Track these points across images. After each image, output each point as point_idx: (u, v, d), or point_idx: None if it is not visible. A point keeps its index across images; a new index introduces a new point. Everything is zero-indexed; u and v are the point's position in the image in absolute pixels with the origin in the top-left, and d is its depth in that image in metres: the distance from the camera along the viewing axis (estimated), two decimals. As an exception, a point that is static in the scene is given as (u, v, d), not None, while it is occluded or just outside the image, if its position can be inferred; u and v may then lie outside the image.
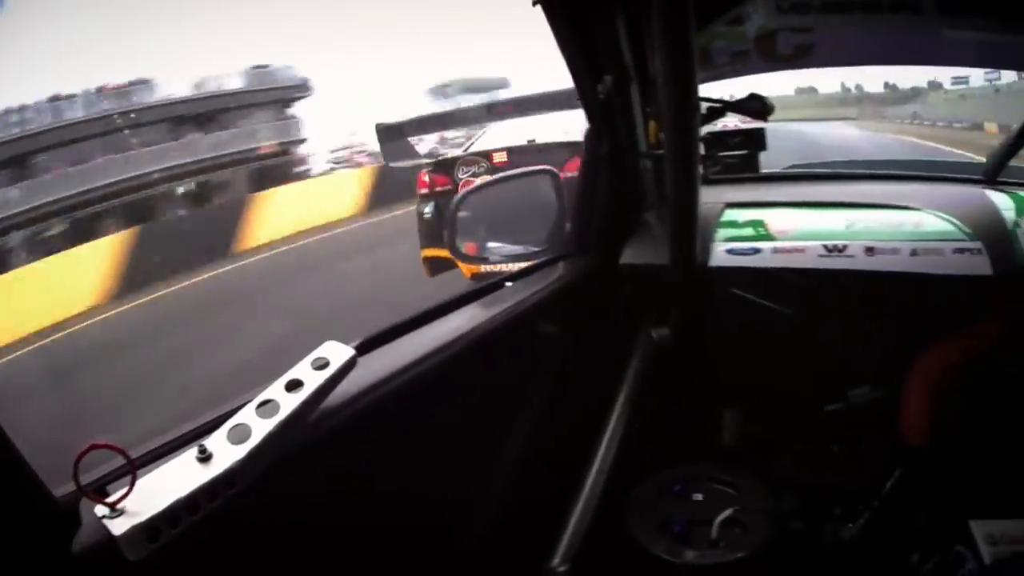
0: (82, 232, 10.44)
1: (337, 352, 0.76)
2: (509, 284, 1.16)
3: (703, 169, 1.17)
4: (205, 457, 0.64)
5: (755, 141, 1.32)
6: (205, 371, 4.31)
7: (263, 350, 4.27)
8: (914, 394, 1.11)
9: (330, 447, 0.77)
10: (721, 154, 1.31)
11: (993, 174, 1.21)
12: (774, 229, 1.15)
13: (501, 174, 1.49)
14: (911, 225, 1.08)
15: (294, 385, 0.72)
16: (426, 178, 4.44)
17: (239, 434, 0.67)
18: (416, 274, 4.41)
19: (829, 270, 1.09)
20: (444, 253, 3.37)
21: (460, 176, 4.25)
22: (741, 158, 1.33)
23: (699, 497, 1.13)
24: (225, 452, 0.65)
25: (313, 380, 0.72)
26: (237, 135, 14.28)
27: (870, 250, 1.07)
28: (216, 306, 6.36)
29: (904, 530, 1.05)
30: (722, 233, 1.17)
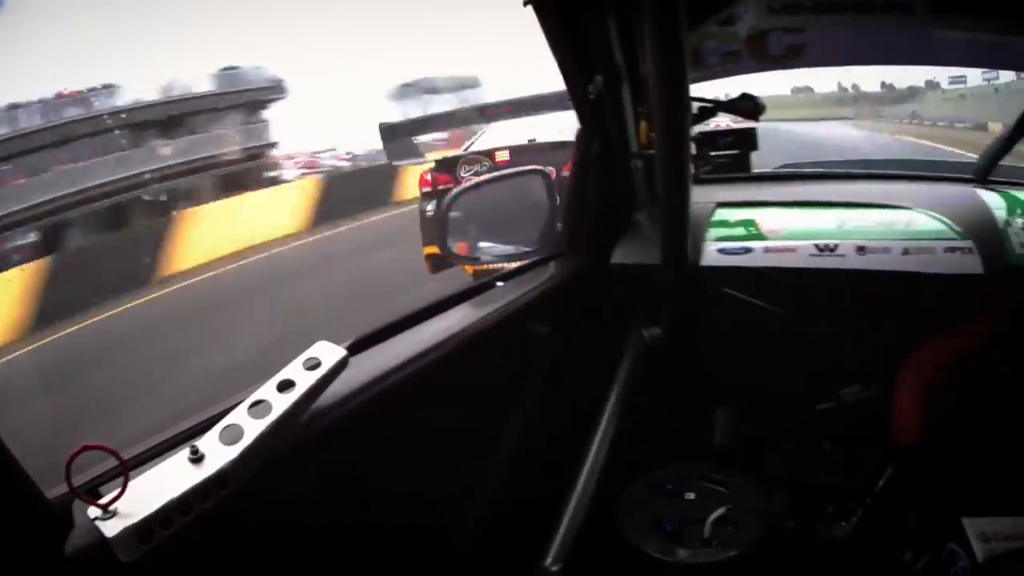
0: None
1: (329, 352, 0.76)
2: (500, 284, 1.16)
3: (694, 169, 1.18)
4: (197, 458, 0.64)
5: (746, 141, 1.33)
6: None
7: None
8: (906, 392, 1.11)
9: (322, 447, 0.77)
10: (712, 154, 1.32)
11: (984, 173, 1.22)
12: (765, 228, 1.15)
13: (492, 174, 1.49)
14: (902, 224, 1.08)
15: (286, 385, 0.72)
16: (428, 176, 4.48)
17: (231, 435, 0.66)
18: (364, 307, 4.34)
19: (820, 269, 1.09)
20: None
21: (462, 174, 4.29)
22: (732, 158, 1.33)
23: (691, 496, 1.13)
24: (217, 453, 0.65)
25: (305, 380, 0.72)
26: (201, 141, 13.34)
27: (861, 249, 1.07)
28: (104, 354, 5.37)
29: (897, 528, 1.05)
30: (713, 233, 1.17)
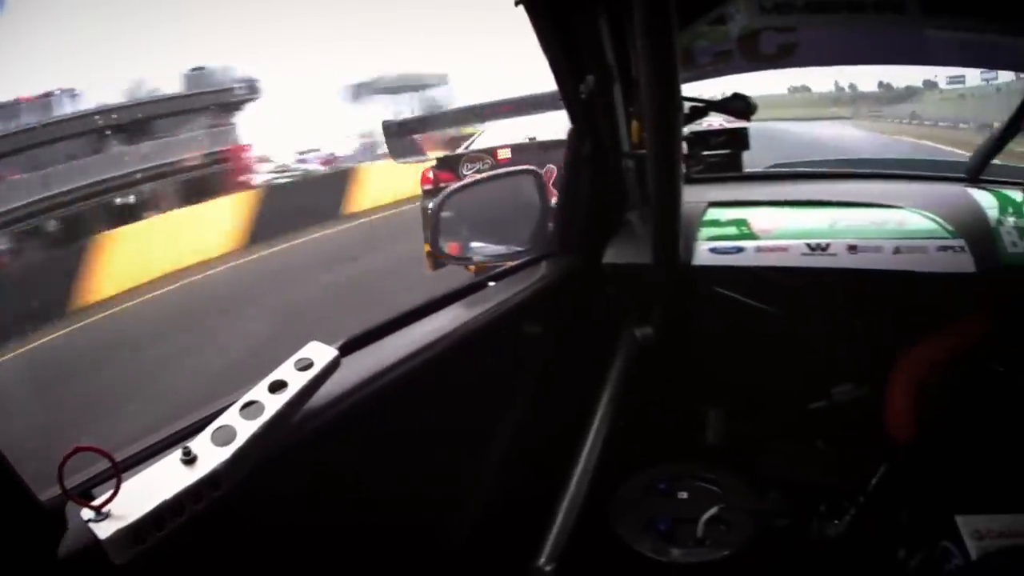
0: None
1: (320, 353, 0.76)
2: (492, 284, 1.16)
3: (686, 168, 1.18)
4: (190, 459, 0.64)
5: (738, 140, 1.33)
6: None
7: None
8: (899, 391, 1.11)
9: (314, 448, 0.77)
10: (704, 153, 1.32)
11: (976, 172, 1.22)
12: (757, 228, 1.15)
13: (484, 174, 1.50)
14: (894, 223, 1.09)
15: (278, 386, 0.72)
16: (430, 174, 4.53)
17: (223, 436, 0.67)
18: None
19: (812, 268, 1.10)
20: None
21: (465, 172, 4.33)
22: (724, 157, 1.34)
23: (684, 495, 1.13)
24: (210, 454, 0.65)
25: (297, 381, 0.73)
26: (167, 145, 12.26)
27: (853, 248, 1.08)
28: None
29: (890, 526, 1.05)
30: (705, 232, 1.17)
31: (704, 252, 1.15)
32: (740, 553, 1.01)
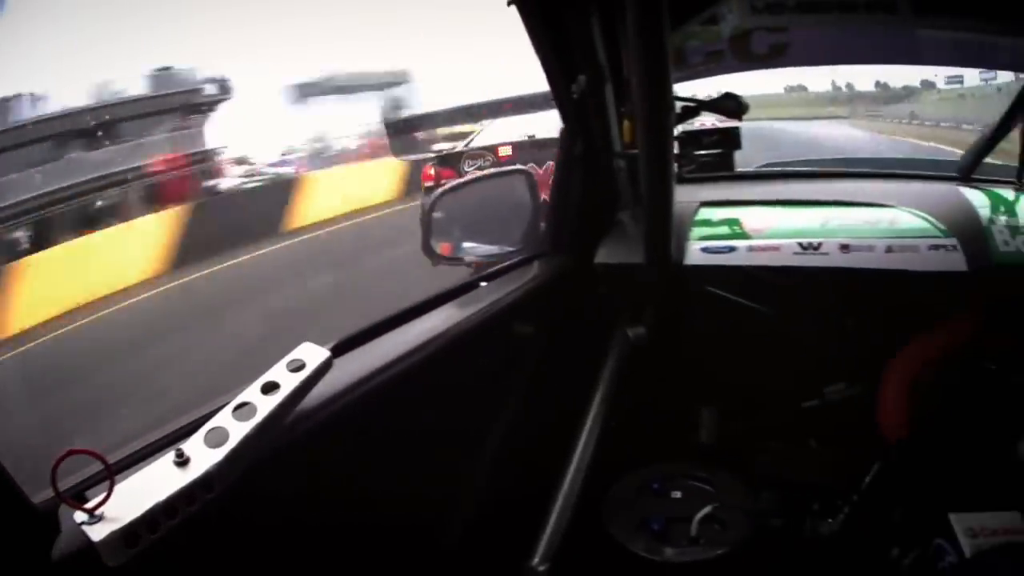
0: None
1: (313, 354, 0.77)
2: (484, 284, 1.16)
3: (678, 168, 1.18)
4: (183, 461, 0.64)
5: (730, 140, 1.33)
6: None
7: None
8: (891, 389, 1.11)
9: (307, 449, 0.77)
10: (696, 153, 1.32)
11: (968, 171, 1.22)
12: (749, 227, 1.15)
13: (476, 174, 1.50)
14: (886, 222, 1.09)
15: (270, 387, 0.72)
16: (431, 171, 4.54)
17: (216, 437, 0.67)
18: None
19: (804, 268, 1.09)
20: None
21: (466, 169, 4.36)
22: (716, 157, 1.34)
23: (677, 495, 1.13)
24: (202, 456, 0.65)
25: (289, 382, 0.73)
26: (131, 149, 11.06)
27: (845, 247, 1.08)
28: None
29: (883, 525, 1.05)
30: (697, 232, 1.17)
31: (696, 252, 1.15)
32: (734, 552, 1.01)
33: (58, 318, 6.19)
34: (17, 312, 6.20)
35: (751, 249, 1.13)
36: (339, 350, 0.85)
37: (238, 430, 0.67)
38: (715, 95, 1.08)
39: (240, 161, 11.68)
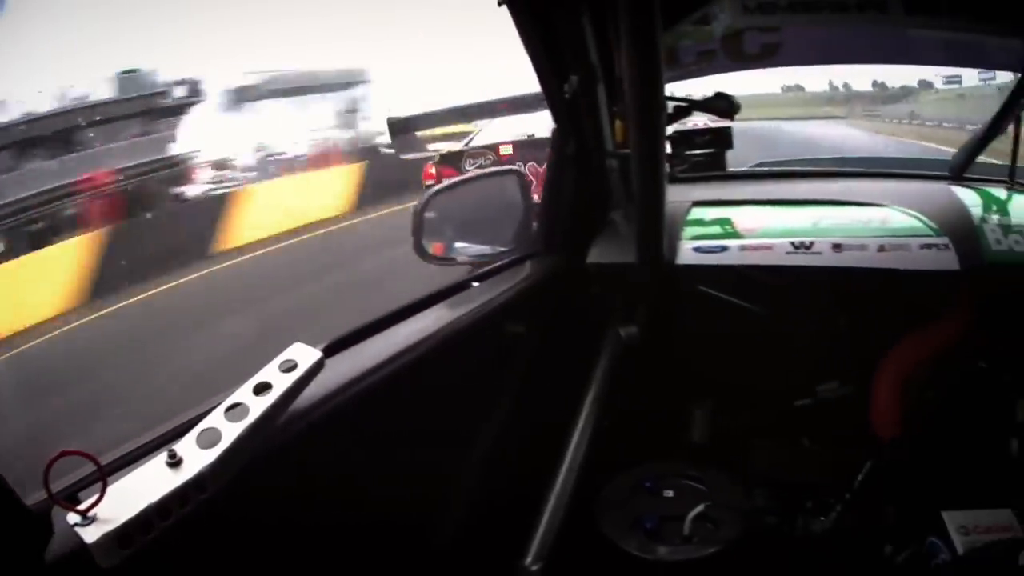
0: None
1: (304, 354, 0.77)
2: (476, 284, 1.16)
3: (670, 167, 1.19)
4: (175, 462, 0.64)
5: (722, 139, 1.34)
6: None
7: None
8: (884, 388, 1.12)
9: (299, 449, 0.77)
10: (688, 152, 1.32)
11: (960, 170, 1.23)
12: (741, 227, 1.15)
13: (468, 175, 1.51)
14: (878, 221, 1.09)
15: (262, 388, 0.72)
16: (432, 170, 4.56)
17: (208, 438, 0.67)
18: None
19: (797, 267, 1.10)
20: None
21: (467, 168, 4.38)
22: (708, 156, 1.34)
23: (670, 494, 1.13)
24: (195, 457, 0.65)
25: (281, 383, 0.73)
26: (95, 156, 10.13)
27: (837, 246, 1.08)
28: None
29: (876, 523, 1.05)
30: (689, 231, 1.17)
31: (688, 251, 1.15)
32: (727, 550, 1.01)
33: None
34: None
35: (743, 248, 1.13)
36: (331, 350, 0.85)
37: (230, 431, 0.67)
38: (710, 95, 1.09)
39: (218, 166, 10.97)
